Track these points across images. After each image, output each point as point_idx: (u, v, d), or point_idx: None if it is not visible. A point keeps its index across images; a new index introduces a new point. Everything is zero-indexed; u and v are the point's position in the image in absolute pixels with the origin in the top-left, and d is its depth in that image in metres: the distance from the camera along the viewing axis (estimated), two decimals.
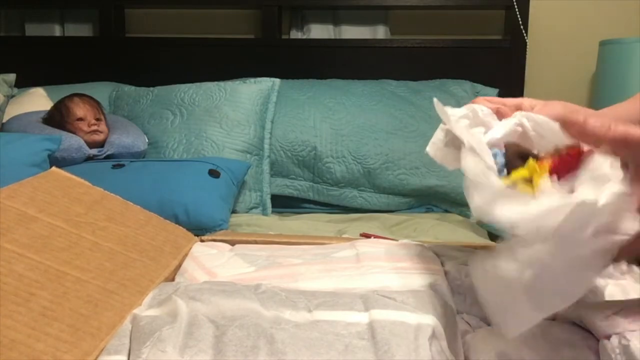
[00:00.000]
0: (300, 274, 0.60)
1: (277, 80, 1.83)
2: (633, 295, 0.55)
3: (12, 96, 1.89)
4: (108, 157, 1.63)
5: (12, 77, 1.89)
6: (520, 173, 0.47)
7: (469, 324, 0.54)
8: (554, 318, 0.55)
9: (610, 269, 0.59)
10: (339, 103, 1.80)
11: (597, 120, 0.42)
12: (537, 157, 0.49)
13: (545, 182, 0.44)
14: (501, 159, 0.50)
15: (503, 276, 0.41)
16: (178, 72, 2.05)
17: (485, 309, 0.43)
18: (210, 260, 0.65)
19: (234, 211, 1.55)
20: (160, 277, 0.59)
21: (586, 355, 0.46)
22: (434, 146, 0.56)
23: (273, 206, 1.69)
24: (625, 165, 0.42)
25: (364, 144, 1.71)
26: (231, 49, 2.12)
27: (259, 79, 1.83)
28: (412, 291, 0.54)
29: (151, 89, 1.88)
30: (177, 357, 0.43)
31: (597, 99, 2.00)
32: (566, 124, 0.44)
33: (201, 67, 2.04)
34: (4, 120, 1.76)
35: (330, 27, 2.18)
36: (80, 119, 1.65)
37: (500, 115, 0.55)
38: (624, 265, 0.59)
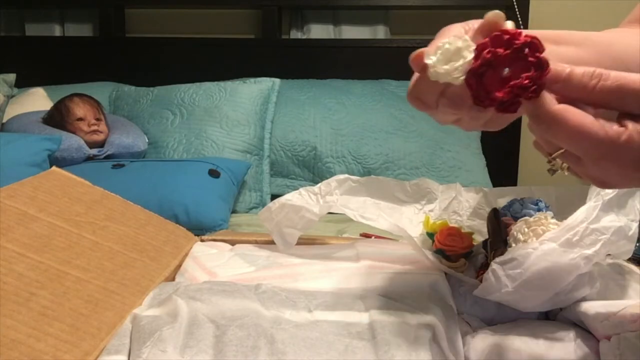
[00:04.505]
0: (300, 274, 0.60)
1: (277, 80, 1.83)
2: (633, 295, 0.55)
3: (12, 96, 1.89)
4: (108, 157, 1.63)
5: (12, 77, 1.89)
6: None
7: (469, 324, 0.54)
8: (554, 318, 0.55)
9: (609, 269, 0.59)
10: (339, 103, 1.80)
11: (582, 70, 0.37)
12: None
13: None
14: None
15: None
16: (178, 72, 2.05)
17: None
18: (211, 260, 0.65)
19: (234, 211, 1.55)
20: (160, 276, 0.59)
21: (586, 356, 0.46)
22: None
23: None
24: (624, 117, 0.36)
25: (364, 144, 1.71)
26: (231, 49, 2.11)
27: (259, 79, 1.83)
28: (412, 291, 0.54)
29: (151, 89, 1.88)
30: (178, 357, 0.43)
31: None
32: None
33: (201, 67, 2.04)
34: (4, 120, 1.76)
35: (330, 27, 2.18)
36: (80, 119, 1.65)
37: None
38: (624, 265, 0.59)
